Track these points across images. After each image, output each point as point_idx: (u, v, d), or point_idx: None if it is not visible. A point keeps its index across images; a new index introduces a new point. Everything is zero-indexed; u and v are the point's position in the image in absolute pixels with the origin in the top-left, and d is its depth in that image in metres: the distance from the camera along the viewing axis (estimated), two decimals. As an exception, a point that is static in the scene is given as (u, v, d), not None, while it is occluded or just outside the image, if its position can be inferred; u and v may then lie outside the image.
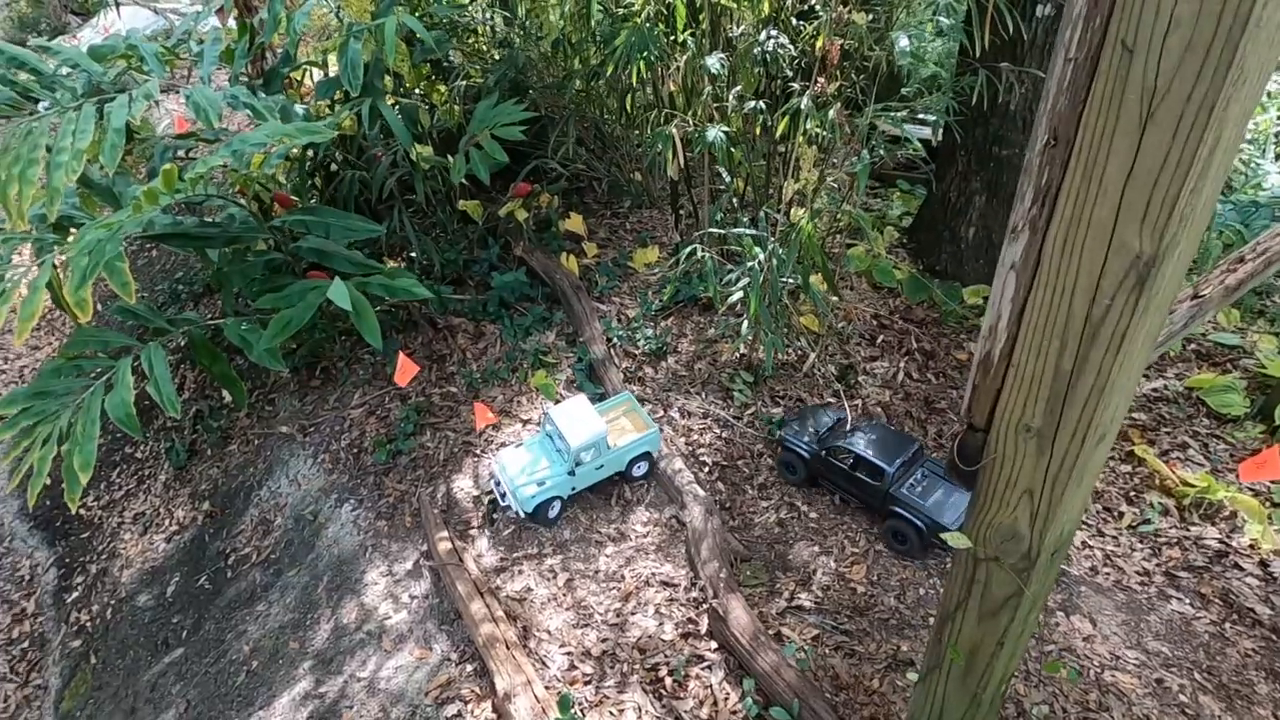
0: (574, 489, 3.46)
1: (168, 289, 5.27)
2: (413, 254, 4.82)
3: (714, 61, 3.70)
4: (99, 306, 4.70)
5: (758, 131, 4.46)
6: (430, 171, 4.57)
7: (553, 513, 3.42)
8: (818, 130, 3.82)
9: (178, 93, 3.96)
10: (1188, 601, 3.12)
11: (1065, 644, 2.93)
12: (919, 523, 3.15)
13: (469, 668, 2.87)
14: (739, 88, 4.19)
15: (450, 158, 4.37)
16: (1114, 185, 1.13)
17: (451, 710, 2.72)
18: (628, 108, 5.37)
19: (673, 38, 4.07)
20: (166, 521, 4.07)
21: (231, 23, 4.69)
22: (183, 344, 4.29)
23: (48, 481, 3.33)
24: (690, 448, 3.77)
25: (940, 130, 4.03)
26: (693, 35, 4.18)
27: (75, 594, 4.01)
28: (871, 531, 3.38)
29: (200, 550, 3.83)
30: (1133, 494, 3.62)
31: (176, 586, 3.72)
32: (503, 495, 3.41)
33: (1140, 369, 1.41)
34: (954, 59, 5.16)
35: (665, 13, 4.06)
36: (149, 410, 4.38)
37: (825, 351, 4.33)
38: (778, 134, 4.14)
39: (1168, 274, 1.21)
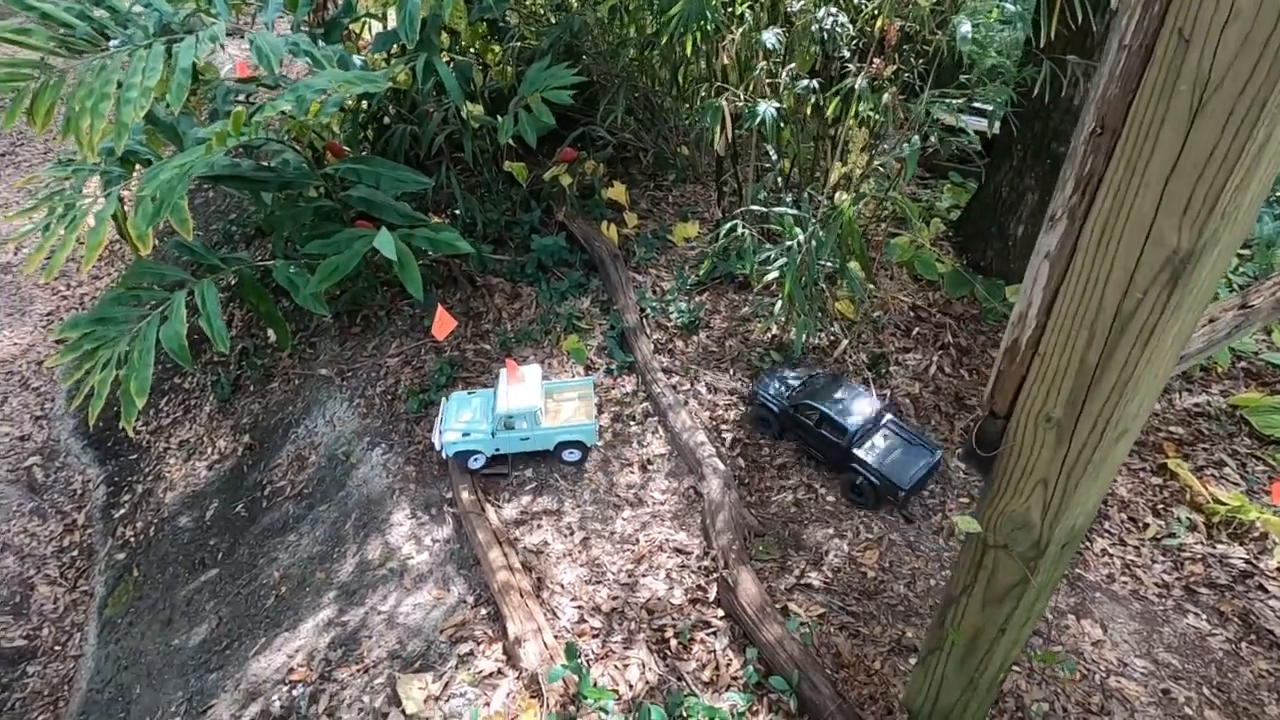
0: (497, 450, 3.57)
1: (221, 229, 5.46)
2: (456, 211, 4.90)
3: (770, 36, 3.65)
4: (156, 241, 4.89)
5: (809, 111, 4.40)
6: (479, 130, 4.63)
7: (474, 463, 3.57)
8: (870, 113, 3.77)
9: (242, 37, 4.05)
10: (1205, 617, 3.08)
11: (1074, 646, 2.93)
12: (874, 479, 3.35)
13: (483, 611, 2.99)
14: (794, 65, 4.13)
15: (499, 118, 4.42)
16: (1157, 177, 1.13)
17: (464, 649, 2.85)
18: (679, 79, 5.33)
19: (730, 9, 4.02)
20: (209, 450, 4.28)
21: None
22: (233, 283, 4.45)
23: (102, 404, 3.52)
24: (715, 422, 3.81)
25: (997, 122, 3.91)
26: (750, 8, 4.13)
27: (122, 510, 4.26)
28: (888, 517, 3.39)
29: (238, 479, 4.03)
30: (1160, 507, 3.56)
31: (215, 511, 3.92)
32: (440, 432, 3.56)
33: (1169, 368, 1.41)
34: (1019, 49, 5.01)
35: (725, -17, 4.01)
36: (198, 343, 4.58)
37: (858, 338, 4.31)
38: (829, 115, 4.09)
39: (1204, 272, 1.20)
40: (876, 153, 4.07)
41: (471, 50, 5.18)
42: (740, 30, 3.97)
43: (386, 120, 5.05)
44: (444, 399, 3.70)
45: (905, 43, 3.82)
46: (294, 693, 2.85)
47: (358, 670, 2.86)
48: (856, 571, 3.17)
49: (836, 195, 4.22)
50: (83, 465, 4.60)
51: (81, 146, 3.58)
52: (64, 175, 4.15)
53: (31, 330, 5.59)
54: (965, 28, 3.28)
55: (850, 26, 3.93)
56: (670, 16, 3.82)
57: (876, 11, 3.75)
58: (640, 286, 4.55)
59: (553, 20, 5.63)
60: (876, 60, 3.40)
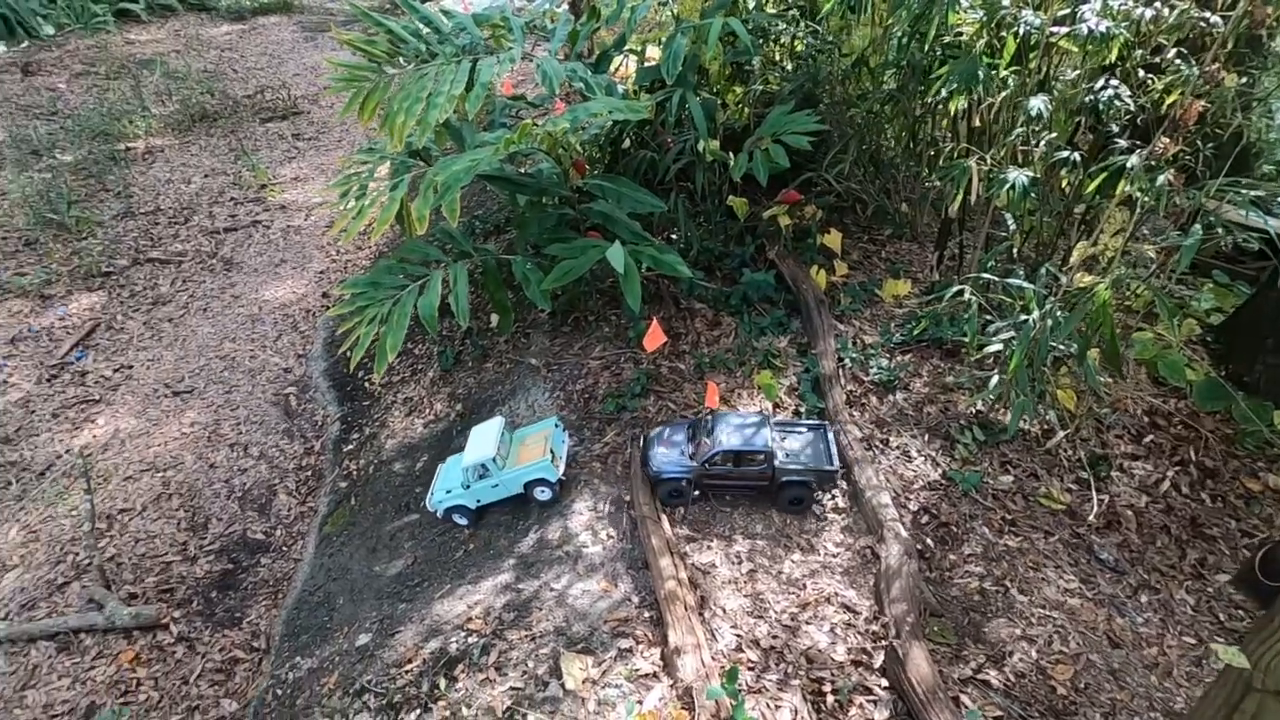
0: (479, 501, 3.74)
1: (466, 222, 6.20)
2: (674, 235, 5.18)
3: (1038, 103, 3.51)
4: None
5: (1062, 184, 4.15)
6: (711, 164, 4.88)
7: (461, 519, 3.80)
8: (1138, 194, 3.48)
9: (529, 61, 4.63)
10: None
11: None
12: (809, 479, 3.39)
13: (646, 614, 3.10)
14: (1053, 134, 3.93)
15: (732, 155, 4.63)
16: None
17: (624, 644, 2.97)
18: (915, 137, 5.26)
19: (994, 72, 3.92)
20: (427, 410, 4.85)
21: (562, 8, 5.38)
22: (476, 269, 5.03)
23: (345, 354, 4.14)
24: (903, 484, 3.67)
25: (1296, 223, 3.44)
26: (1015, 73, 4.00)
27: (350, 447, 4.94)
28: (1094, 630, 3.05)
29: (447, 440, 4.52)
30: None
31: (424, 464, 4.43)
32: (431, 493, 3.83)
33: None
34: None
35: (995, 46, 3.92)
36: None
37: (1076, 432, 3.94)
38: (1087, 190, 3.83)
39: None
40: (1132, 237, 3.75)
41: (715, 90, 5.49)
42: (1003, 95, 3.86)
43: (626, 145, 5.49)
44: (440, 464, 4.05)
45: (1197, 123, 3.49)
46: (469, 640, 3.13)
47: (526, 636, 3.09)
48: (1045, 684, 2.88)
49: (1078, 276, 3.93)
50: (326, 402, 5.39)
51: (391, 138, 4.27)
52: (364, 161, 4.96)
53: (307, 283, 6.69)
54: (1284, 115, 2.94)
55: (1129, 101, 3.67)
56: (939, 75, 3.80)
57: (1168, 88, 3.48)
58: (841, 335, 4.51)
59: (789, 67, 5.81)
60: (1165, 140, 3.14)
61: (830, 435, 3.64)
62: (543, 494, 3.73)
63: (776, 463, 3.46)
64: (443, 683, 2.96)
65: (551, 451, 3.68)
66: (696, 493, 3.61)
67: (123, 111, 9.07)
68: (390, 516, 4.18)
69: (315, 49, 11.65)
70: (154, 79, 10.04)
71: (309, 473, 4.92)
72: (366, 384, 5.41)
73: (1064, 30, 3.65)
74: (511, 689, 2.87)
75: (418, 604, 3.48)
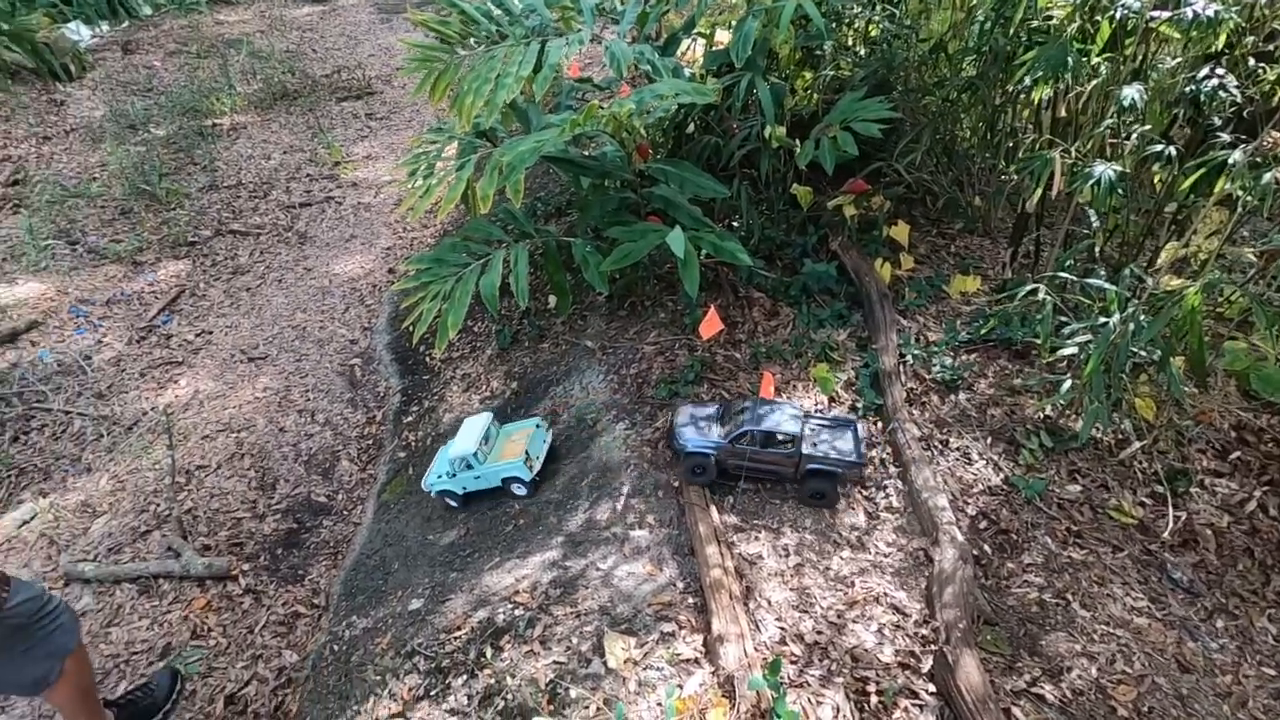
0: (464, 488, 3.96)
1: (530, 203, 6.27)
2: (734, 223, 5.12)
3: (1133, 93, 3.30)
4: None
5: (1154, 180, 3.90)
6: (776, 151, 4.79)
7: (452, 501, 4.07)
8: (1240, 193, 3.24)
9: (597, 43, 4.62)
10: None
11: None
12: (835, 469, 3.39)
13: (690, 600, 3.11)
14: (1147, 126, 3.70)
15: (798, 142, 4.53)
16: None
17: (667, 627, 2.98)
18: (993, 127, 5.03)
19: (1084, 59, 3.70)
20: (483, 387, 4.96)
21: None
22: (536, 251, 5.09)
23: (408, 329, 4.26)
24: (962, 487, 3.55)
25: None
26: (1108, 60, 3.77)
27: (409, 418, 5.11)
28: (1162, 652, 2.90)
29: (502, 417, 4.61)
30: None
31: (478, 439, 4.53)
32: (426, 475, 4.05)
33: None
34: None
35: (1088, 31, 3.70)
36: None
37: (1153, 444, 3.73)
38: (1181, 188, 3.60)
39: None
40: (1228, 239, 3.50)
41: (784, 75, 5.37)
42: (1093, 83, 3.64)
43: (690, 130, 5.43)
44: (441, 447, 4.24)
45: (1312, 118, 3.22)
46: (516, 613, 3.21)
47: (571, 613, 3.14)
48: (1105, 703, 2.76)
49: (1166, 279, 3.70)
50: (388, 374, 5.58)
51: (460, 119, 4.34)
52: (433, 140, 5.06)
53: (374, 258, 6.91)
54: None
55: (1235, 92, 3.42)
56: (1024, 61, 3.61)
57: (1282, 79, 3.22)
58: (904, 331, 4.38)
59: (862, 53, 5.63)
60: (1275, 134, 2.91)
61: (859, 431, 3.57)
62: (519, 489, 3.93)
63: (804, 450, 3.42)
64: (489, 651, 3.05)
65: (527, 452, 3.87)
66: (718, 472, 3.59)
67: (211, 89, 9.52)
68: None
69: (390, 30, 11.95)
70: (240, 58, 10.50)
71: (370, 441, 5.11)
72: (427, 359, 5.57)
73: (1166, 15, 3.42)
74: (555, 662, 2.93)
75: (468, 574, 3.58)
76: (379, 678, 3.20)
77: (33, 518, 4.43)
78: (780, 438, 3.43)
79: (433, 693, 2.99)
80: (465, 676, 3.00)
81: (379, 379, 5.61)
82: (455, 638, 3.20)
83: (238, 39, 11.05)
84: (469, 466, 3.89)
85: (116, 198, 7.48)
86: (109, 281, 6.49)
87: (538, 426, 4.05)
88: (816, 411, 3.89)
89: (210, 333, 6.02)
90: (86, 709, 3.05)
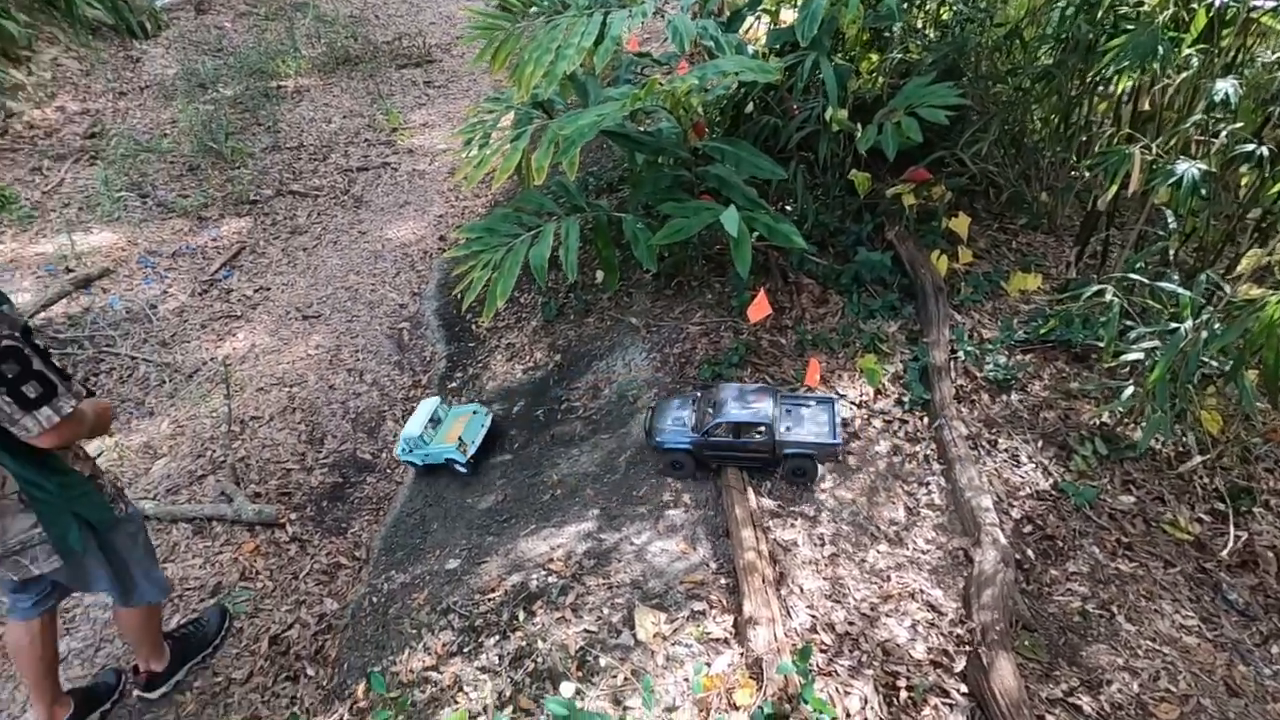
0: (423, 460, 4.25)
1: (582, 177, 6.27)
2: (788, 206, 5.03)
3: (1227, 87, 3.12)
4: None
5: (1240, 182, 3.69)
6: (836, 135, 4.67)
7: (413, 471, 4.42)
8: (1336, 199, 3.05)
9: (660, 16, 4.56)
10: None
11: None
12: (811, 452, 3.39)
13: (722, 581, 3.12)
14: (1238, 124, 3.49)
15: (860, 126, 4.41)
16: None
17: (698, 606, 3.00)
18: (1067, 119, 4.81)
19: (1176, 49, 3.51)
20: (527, 358, 5.02)
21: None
22: (586, 225, 5.09)
23: (456, 296, 4.31)
24: (1008, 489, 3.47)
25: None
26: (1201, 51, 3.57)
27: (453, 384, 5.20)
28: (1210, 673, 2.80)
29: (543, 389, 4.67)
30: None
31: (520, 409, 4.60)
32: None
33: None
34: None
35: (1181, 20, 3.50)
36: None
37: (1219, 460, 3.57)
38: (1270, 191, 3.40)
39: None
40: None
41: (850, 56, 5.22)
42: (1182, 75, 3.45)
43: (749, 109, 5.34)
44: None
45: None
46: (549, 580, 3.27)
47: (603, 584, 3.18)
48: (1145, 718, 2.68)
49: (1243, 286, 3.52)
50: (435, 340, 5.68)
51: (519, 88, 4.35)
52: (490, 110, 5.08)
53: (427, 225, 7.01)
54: None
55: (1342, 90, 3.20)
56: (1108, 50, 3.44)
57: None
58: (958, 326, 4.26)
59: (933, 36, 5.43)
60: (1384, 137, 2.72)
61: (836, 409, 3.49)
62: (459, 469, 4.21)
63: (778, 435, 3.37)
64: (521, 614, 3.12)
65: (460, 438, 4.09)
66: (697, 465, 3.59)
67: (277, 51, 9.72)
68: (483, 453, 4.38)
69: (452, -1, 11.98)
70: (306, 22, 10.68)
71: (414, 404, 5.22)
72: (473, 326, 5.65)
73: (1270, 5, 3.21)
74: (585, 631, 2.98)
75: (504, 538, 3.65)
76: (415, 631, 3.30)
77: (99, 455, 4.68)
78: (754, 424, 3.39)
79: (465, 649, 3.08)
80: (497, 637, 3.07)
81: (426, 344, 5.72)
82: (489, 599, 3.27)
83: (304, 3, 11.24)
84: (419, 445, 4.19)
85: (185, 154, 7.73)
86: (175, 235, 6.74)
87: (474, 413, 4.32)
88: (791, 392, 3.82)
89: (268, 289, 6.21)
90: (152, 635, 3.24)
